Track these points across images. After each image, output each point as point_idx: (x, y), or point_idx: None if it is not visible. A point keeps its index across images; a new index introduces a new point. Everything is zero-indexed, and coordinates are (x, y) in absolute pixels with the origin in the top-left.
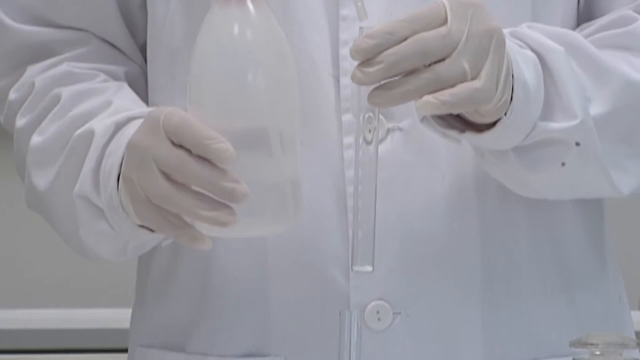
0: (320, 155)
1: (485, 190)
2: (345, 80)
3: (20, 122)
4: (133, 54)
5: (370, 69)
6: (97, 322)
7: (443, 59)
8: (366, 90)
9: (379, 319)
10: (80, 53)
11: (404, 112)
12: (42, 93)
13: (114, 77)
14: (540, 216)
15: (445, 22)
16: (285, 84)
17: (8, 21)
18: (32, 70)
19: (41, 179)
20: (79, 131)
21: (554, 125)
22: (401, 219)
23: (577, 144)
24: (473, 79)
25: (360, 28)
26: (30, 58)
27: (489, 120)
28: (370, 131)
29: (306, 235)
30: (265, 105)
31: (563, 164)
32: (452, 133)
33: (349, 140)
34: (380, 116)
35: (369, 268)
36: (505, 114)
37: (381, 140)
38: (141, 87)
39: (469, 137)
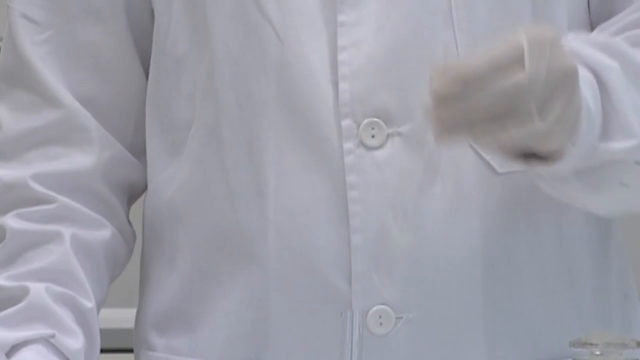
0: (320, 161)
1: (486, 194)
2: (344, 85)
3: None
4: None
5: (445, 114)
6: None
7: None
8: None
9: (381, 324)
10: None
11: (404, 117)
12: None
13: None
14: (542, 218)
15: (522, 65)
16: None
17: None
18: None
19: None
20: None
21: (615, 145)
22: (402, 224)
23: (638, 163)
24: (540, 119)
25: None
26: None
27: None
28: (373, 137)
29: (306, 242)
30: None
31: (622, 184)
32: (517, 164)
33: (349, 145)
34: (380, 121)
35: None
36: (572, 143)
37: (381, 146)
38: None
39: (537, 169)
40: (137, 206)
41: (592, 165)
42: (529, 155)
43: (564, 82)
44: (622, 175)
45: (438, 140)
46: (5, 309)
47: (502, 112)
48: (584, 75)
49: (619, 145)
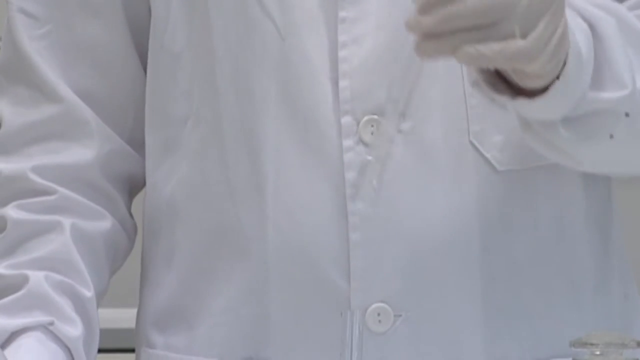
0: (320, 158)
1: (486, 192)
2: (344, 83)
3: None
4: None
5: (427, 20)
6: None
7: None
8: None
9: (379, 322)
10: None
11: (404, 114)
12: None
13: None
14: (543, 217)
15: None
16: None
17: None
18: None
19: None
20: None
21: (605, 95)
22: (402, 222)
23: (627, 114)
24: (522, 38)
25: None
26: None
27: (537, 85)
28: (372, 134)
29: (305, 239)
30: None
31: (611, 136)
32: (502, 99)
33: (348, 142)
34: (380, 118)
35: None
36: (558, 79)
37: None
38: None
39: (520, 103)
40: (139, 204)
41: (581, 114)
42: (515, 93)
43: (548, 5)
44: (611, 125)
45: (418, 49)
46: (4, 297)
47: (485, 25)
48: (579, 23)
49: (609, 95)
